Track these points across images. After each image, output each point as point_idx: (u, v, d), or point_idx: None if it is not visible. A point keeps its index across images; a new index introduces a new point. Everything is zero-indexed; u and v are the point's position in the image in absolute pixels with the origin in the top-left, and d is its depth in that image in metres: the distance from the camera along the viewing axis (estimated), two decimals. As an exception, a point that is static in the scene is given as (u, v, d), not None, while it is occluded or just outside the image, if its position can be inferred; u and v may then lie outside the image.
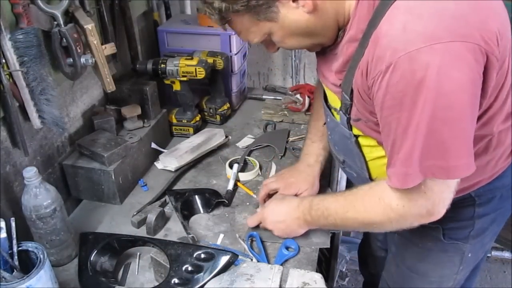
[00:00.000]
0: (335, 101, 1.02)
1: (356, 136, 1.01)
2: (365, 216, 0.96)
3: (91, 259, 1.07)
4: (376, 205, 0.94)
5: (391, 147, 0.85)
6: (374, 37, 0.80)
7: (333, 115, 1.06)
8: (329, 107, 1.08)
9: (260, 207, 1.26)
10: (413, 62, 0.74)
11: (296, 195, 1.22)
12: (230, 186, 1.36)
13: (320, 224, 1.08)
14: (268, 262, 1.10)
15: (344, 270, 2.29)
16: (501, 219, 1.13)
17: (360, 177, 1.10)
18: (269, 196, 1.25)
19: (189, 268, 1.00)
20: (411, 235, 1.15)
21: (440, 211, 0.89)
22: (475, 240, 1.10)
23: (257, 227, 1.20)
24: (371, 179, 1.07)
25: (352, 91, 0.91)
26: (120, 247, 1.13)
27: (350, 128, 1.00)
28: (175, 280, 0.99)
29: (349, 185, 1.84)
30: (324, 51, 1.01)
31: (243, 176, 1.42)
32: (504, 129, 0.95)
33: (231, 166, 1.42)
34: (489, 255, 2.37)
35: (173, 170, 1.45)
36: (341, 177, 1.53)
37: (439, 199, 0.87)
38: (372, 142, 0.99)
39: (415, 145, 0.80)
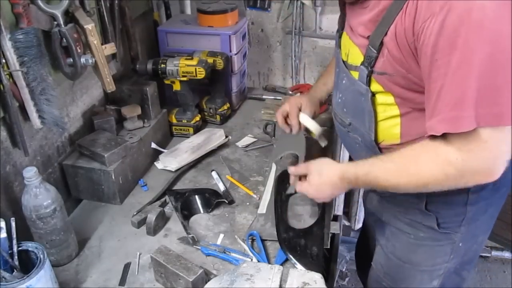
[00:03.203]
0: (356, 56, 1.02)
1: (373, 93, 1.00)
2: (420, 178, 0.92)
3: None
4: (432, 161, 0.89)
5: (437, 95, 0.83)
6: None
7: (350, 74, 1.06)
8: (347, 66, 1.08)
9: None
10: (469, 3, 0.75)
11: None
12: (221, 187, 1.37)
13: (366, 188, 1.03)
14: (268, 262, 1.10)
15: (344, 270, 2.29)
16: (492, 212, 1.14)
17: (365, 140, 1.08)
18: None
19: None
20: (404, 226, 1.15)
21: (499, 169, 0.86)
22: (466, 229, 1.10)
23: (257, 224, 1.19)
24: (376, 143, 1.05)
25: (381, 43, 0.91)
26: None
27: (369, 83, 0.99)
28: None
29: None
30: (354, 5, 1.02)
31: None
32: None
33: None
34: (489, 255, 2.37)
35: (173, 170, 1.45)
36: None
37: (498, 152, 0.84)
38: (389, 99, 0.98)
39: (468, 87, 0.79)
